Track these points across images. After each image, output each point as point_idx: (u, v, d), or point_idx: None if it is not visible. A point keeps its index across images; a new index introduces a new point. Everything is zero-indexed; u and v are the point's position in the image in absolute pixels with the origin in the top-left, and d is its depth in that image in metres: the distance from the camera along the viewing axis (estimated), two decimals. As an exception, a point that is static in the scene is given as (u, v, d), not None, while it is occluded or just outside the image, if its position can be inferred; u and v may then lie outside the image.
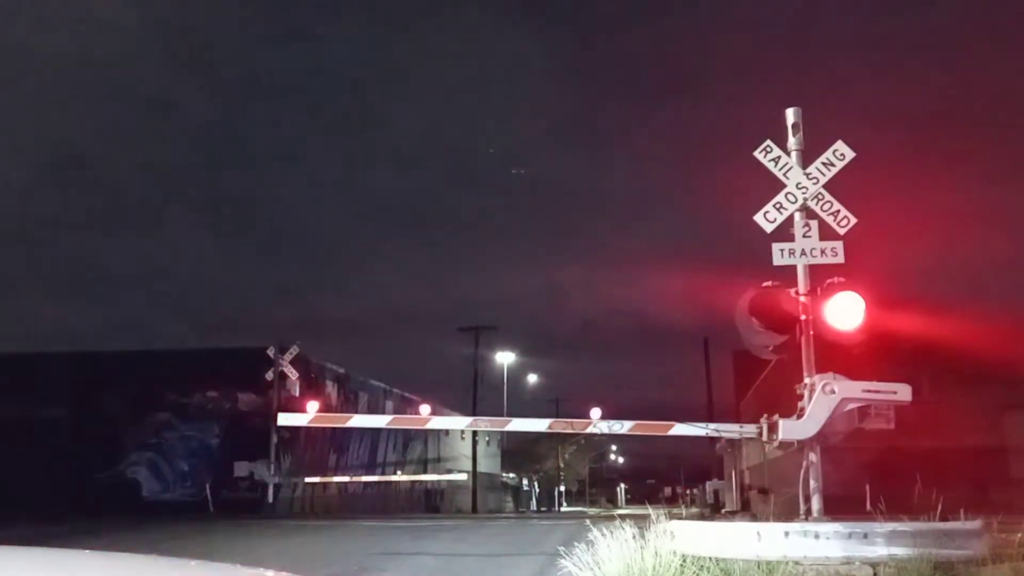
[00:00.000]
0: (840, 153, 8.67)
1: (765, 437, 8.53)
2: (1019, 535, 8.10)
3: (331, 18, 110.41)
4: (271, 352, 31.94)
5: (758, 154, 8.72)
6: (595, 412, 9.76)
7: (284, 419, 12.01)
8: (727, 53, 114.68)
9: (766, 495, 25.60)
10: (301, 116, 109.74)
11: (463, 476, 39.73)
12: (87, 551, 2.07)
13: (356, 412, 42.09)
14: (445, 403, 55.48)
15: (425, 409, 12.00)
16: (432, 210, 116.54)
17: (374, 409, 45.03)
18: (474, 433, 45.65)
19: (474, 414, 50.01)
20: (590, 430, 9.89)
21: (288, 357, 31.98)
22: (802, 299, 8.31)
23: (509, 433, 50.66)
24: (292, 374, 31.86)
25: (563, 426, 10.81)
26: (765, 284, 8.42)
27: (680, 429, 9.54)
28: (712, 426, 10.70)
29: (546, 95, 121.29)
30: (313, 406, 11.17)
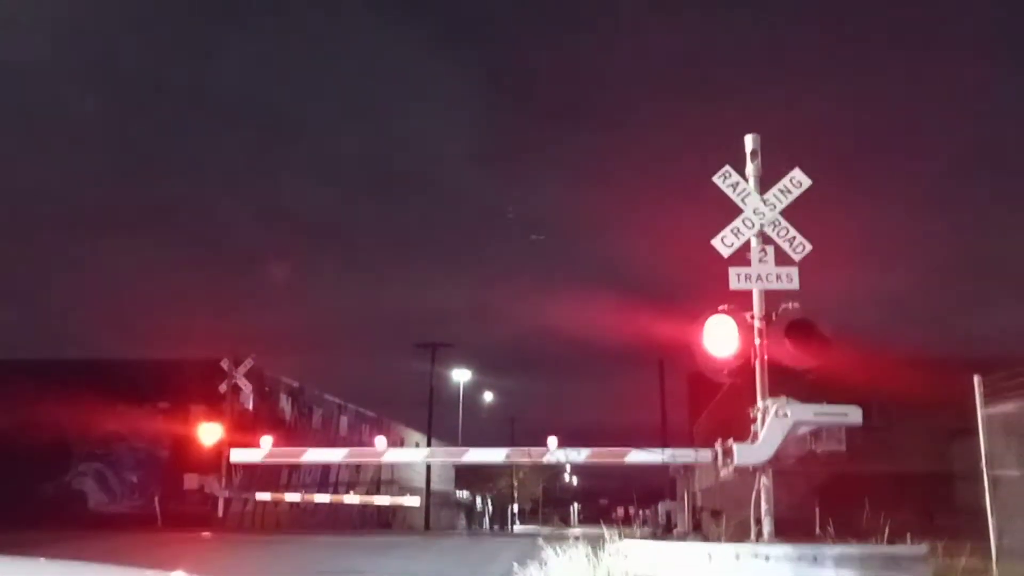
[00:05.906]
0: (797, 181, 8.82)
1: (720, 462, 8.60)
2: (963, 560, 8.27)
3: (243, 30, 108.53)
4: (225, 364, 31.43)
5: (717, 179, 8.84)
6: (552, 441, 9.71)
7: (236, 455, 11.70)
8: (669, 77, 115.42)
9: (718, 517, 25.76)
10: (224, 128, 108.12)
11: (416, 501, 39.32)
12: (37, 558, 2.04)
13: (310, 426, 41.67)
14: (399, 418, 55.26)
15: (381, 442, 11.80)
16: (366, 225, 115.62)
17: (328, 424, 44.58)
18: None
19: (429, 433, 49.83)
20: (547, 459, 9.81)
21: (242, 370, 31.50)
22: (757, 324, 8.42)
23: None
24: (246, 387, 31.39)
25: (520, 456, 10.75)
26: (721, 308, 8.52)
27: (636, 456, 9.57)
28: (668, 452, 10.68)
29: (480, 111, 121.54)
30: (267, 440, 10.87)
